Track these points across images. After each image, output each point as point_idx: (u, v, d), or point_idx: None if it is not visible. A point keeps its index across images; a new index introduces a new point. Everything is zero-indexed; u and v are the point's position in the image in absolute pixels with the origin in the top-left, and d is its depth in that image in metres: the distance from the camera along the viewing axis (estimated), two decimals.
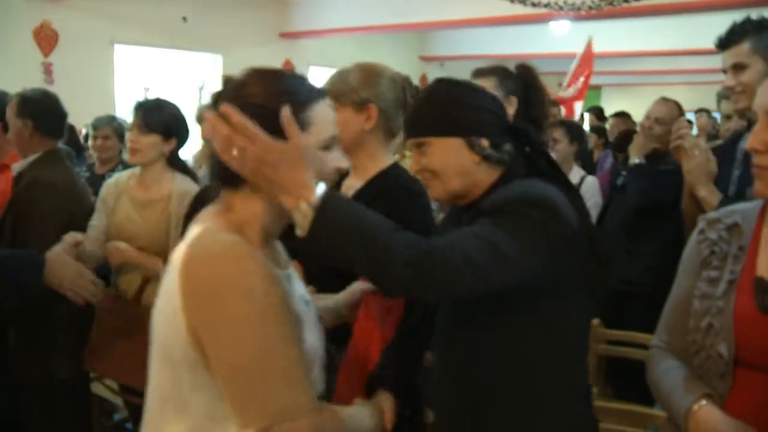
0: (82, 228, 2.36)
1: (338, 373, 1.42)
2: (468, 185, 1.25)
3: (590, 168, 5.18)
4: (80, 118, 4.93)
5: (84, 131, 4.12)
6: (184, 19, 7.53)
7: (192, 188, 2.34)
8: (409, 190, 1.62)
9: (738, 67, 1.88)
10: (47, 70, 6.46)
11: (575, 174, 3.82)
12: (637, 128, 3.71)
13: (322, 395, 1.10)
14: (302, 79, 1.09)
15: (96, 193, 3.25)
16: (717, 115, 6.95)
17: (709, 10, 6.31)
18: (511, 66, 2.06)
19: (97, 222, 2.40)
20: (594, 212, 3.65)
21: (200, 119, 2.04)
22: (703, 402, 1.18)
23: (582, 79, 6.21)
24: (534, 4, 6.39)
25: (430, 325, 1.35)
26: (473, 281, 1.03)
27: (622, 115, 5.16)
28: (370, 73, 1.70)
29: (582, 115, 6.96)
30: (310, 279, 1.34)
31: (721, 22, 2.00)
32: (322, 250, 0.99)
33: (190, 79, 8.00)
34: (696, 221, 1.36)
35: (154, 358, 1.09)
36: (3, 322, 2.26)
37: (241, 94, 1.02)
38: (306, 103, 1.04)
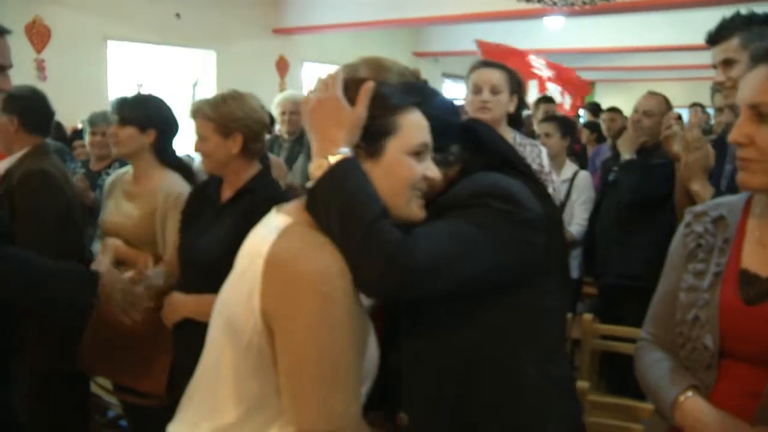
0: (78, 217, 2.39)
1: None
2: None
3: (583, 163, 5.20)
4: (73, 115, 4.90)
5: (80, 126, 4.11)
6: (177, 15, 7.49)
7: (179, 185, 2.34)
8: None
9: (727, 63, 1.89)
10: (40, 66, 6.41)
11: (568, 169, 3.82)
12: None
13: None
14: (409, 86, 1.18)
15: (93, 189, 3.26)
16: (711, 111, 6.98)
17: (702, 6, 6.33)
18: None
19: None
20: (588, 206, 3.67)
21: (194, 115, 2.04)
22: (689, 393, 1.19)
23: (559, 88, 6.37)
24: (528, 0, 6.39)
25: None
26: (438, 276, 1.03)
27: (612, 111, 5.24)
28: (377, 68, 1.69)
29: (577, 113, 7.00)
30: None
31: (714, 18, 2.00)
32: (318, 209, 1.05)
33: (183, 75, 7.98)
34: None
35: (213, 341, 1.12)
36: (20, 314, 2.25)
37: (350, 69, 1.19)
38: (397, 107, 1.10)
